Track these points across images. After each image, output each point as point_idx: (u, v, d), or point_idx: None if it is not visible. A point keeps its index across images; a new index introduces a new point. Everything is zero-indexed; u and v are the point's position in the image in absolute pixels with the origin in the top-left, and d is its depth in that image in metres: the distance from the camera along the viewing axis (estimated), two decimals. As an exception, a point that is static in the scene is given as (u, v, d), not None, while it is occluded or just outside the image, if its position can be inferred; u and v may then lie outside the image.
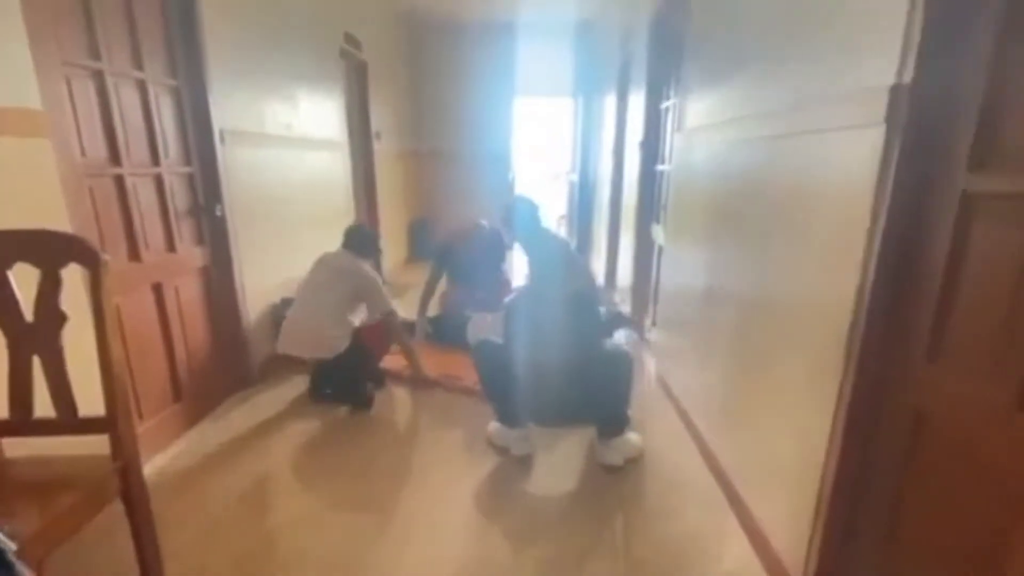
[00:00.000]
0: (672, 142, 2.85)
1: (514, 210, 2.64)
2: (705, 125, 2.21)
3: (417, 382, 2.77)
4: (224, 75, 2.43)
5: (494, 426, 2.23)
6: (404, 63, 5.84)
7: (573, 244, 6.18)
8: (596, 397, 2.03)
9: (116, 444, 1.30)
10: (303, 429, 2.39)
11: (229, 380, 2.63)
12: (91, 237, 1.71)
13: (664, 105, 3.13)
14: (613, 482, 1.99)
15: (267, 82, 2.90)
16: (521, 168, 6.73)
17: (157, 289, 2.14)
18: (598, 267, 5.10)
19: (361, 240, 2.67)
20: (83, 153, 1.77)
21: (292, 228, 3.19)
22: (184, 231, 2.30)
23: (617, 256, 4.48)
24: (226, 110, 2.47)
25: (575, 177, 6.22)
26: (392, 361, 2.84)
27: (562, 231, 7.41)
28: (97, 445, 1.28)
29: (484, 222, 3.79)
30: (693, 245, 2.35)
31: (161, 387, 2.18)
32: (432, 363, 2.85)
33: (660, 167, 3.19)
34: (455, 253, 3.47)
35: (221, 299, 2.54)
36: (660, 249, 3.16)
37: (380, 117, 4.89)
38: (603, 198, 5.09)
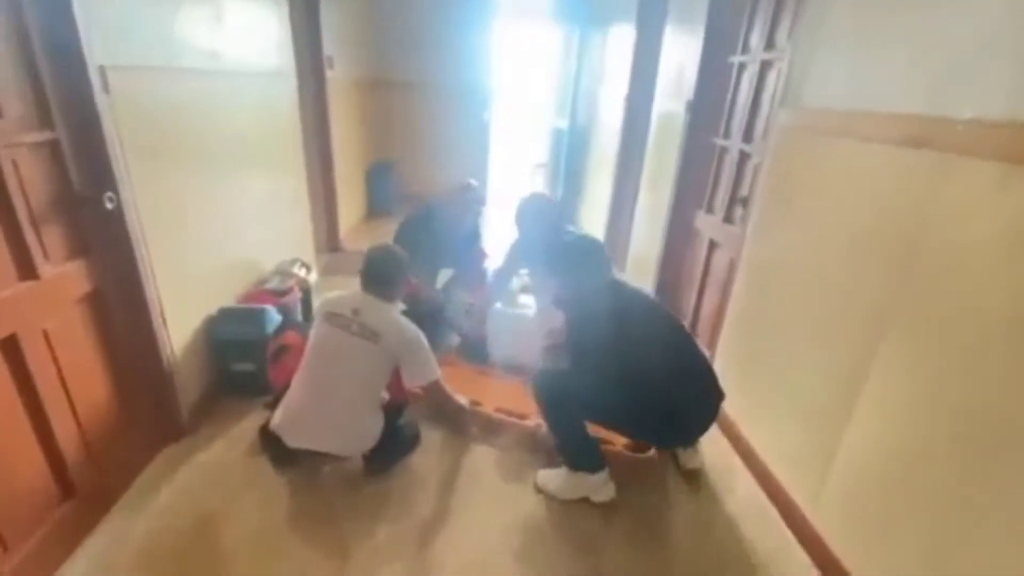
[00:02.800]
0: (753, 115, 2.17)
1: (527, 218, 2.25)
2: (865, 113, 1.51)
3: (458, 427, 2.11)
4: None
5: (561, 477, 1.75)
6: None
7: (558, 196, 5.44)
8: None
9: None
10: (270, 502, 1.72)
11: (148, 441, 1.85)
12: None
13: (736, 59, 2.39)
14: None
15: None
16: (500, 106, 5.75)
17: (9, 345, 1.29)
18: (597, 227, 4.35)
19: (386, 273, 1.78)
20: None
21: (228, 201, 2.27)
22: (50, 240, 1.41)
23: (628, 228, 3.82)
24: (110, 33, 1.51)
25: (564, 124, 5.34)
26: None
27: (539, 181, 6.62)
28: None
29: (474, 181, 3.04)
30: (816, 283, 1.69)
31: (36, 489, 1.40)
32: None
33: (721, 142, 2.50)
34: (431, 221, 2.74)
35: (127, 331, 1.70)
36: (712, 245, 2.56)
37: (334, 37, 3.79)
38: (604, 153, 4.33)
